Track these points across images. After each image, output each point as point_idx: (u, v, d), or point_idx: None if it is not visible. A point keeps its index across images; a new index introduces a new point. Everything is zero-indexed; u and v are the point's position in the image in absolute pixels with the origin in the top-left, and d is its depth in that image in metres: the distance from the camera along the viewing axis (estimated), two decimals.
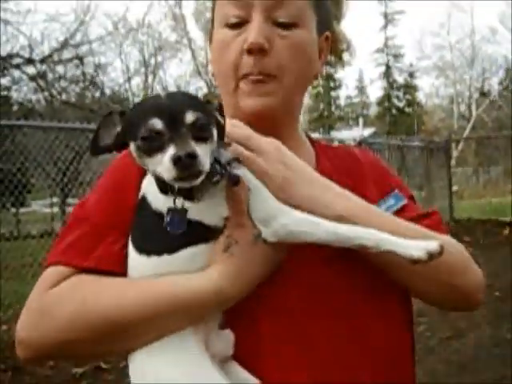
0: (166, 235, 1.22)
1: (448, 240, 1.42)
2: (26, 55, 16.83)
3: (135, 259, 1.29)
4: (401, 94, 50.21)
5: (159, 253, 1.25)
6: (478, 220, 16.11)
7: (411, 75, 50.26)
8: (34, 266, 8.98)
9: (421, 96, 53.81)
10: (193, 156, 1.09)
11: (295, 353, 1.31)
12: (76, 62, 18.78)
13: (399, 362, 1.43)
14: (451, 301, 1.44)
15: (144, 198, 1.29)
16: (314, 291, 1.35)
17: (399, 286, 1.42)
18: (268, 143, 1.31)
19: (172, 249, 1.24)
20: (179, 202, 1.22)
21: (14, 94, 19.25)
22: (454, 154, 20.75)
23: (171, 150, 1.11)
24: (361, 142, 14.54)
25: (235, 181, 1.22)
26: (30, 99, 19.30)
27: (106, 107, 18.65)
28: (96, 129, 1.24)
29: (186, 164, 1.09)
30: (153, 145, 1.14)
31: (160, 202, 1.25)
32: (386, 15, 47.83)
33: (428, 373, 5.95)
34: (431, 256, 1.16)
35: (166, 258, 1.24)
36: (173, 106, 1.15)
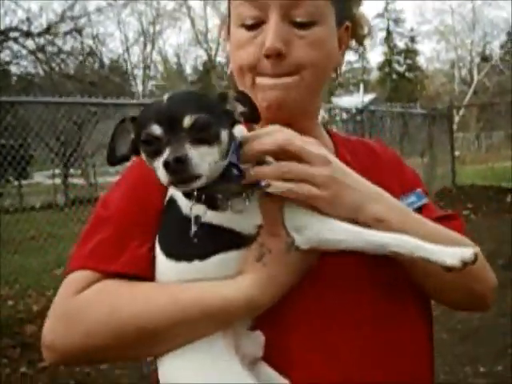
0: (198, 240, 1.22)
1: (471, 243, 1.41)
2: (25, 29, 16.68)
3: (163, 263, 1.28)
4: (401, 58, 49.85)
5: (189, 258, 1.24)
6: (480, 186, 16.09)
7: (412, 40, 49.86)
8: (38, 239, 9.03)
9: (422, 61, 53.45)
10: (181, 160, 1.08)
11: (323, 362, 1.31)
12: (75, 34, 18.60)
13: (421, 373, 1.45)
14: (467, 303, 1.46)
15: (173, 201, 1.28)
16: (342, 301, 1.35)
17: (423, 296, 1.43)
18: (317, 157, 1.25)
19: (203, 255, 1.23)
20: (199, 208, 1.21)
21: (13, 68, 19.14)
22: (456, 119, 20.63)
23: (165, 155, 1.10)
24: (363, 110, 14.44)
25: (267, 192, 1.21)
26: (30, 72, 19.17)
27: (106, 79, 18.55)
28: (111, 138, 1.23)
29: (175, 169, 1.08)
30: (152, 149, 1.13)
31: (188, 207, 1.23)
32: None
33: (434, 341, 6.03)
34: (465, 264, 1.15)
35: (196, 263, 1.24)
36: (172, 109, 1.13)
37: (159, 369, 1.28)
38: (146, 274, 1.29)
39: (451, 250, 1.17)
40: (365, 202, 1.27)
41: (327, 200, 1.23)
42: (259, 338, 1.28)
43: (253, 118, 1.24)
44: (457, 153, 18.14)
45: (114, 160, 1.23)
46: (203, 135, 1.12)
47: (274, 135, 1.24)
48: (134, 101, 11.27)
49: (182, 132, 1.11)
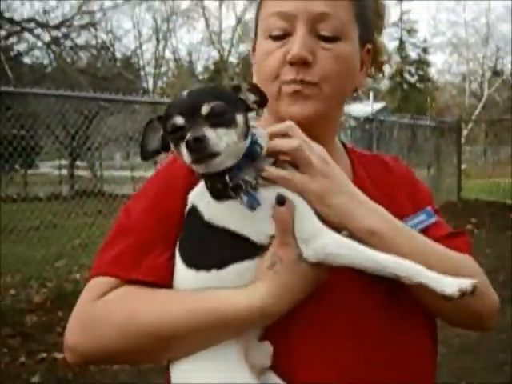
0: (216, 249, 1.29)
1: (472, 264, 1.46)
2: (41, 20, 16.78)
3: (182, 272, 1.33)
4: (413, 69, 49.83)
5: (208, 268, 1.30)
6: (485, 201, 16.11)
7: (425, 51, 49.84)
8: (41, 230, 9.04)
9: (433, 72, 53.49)
10: (199, 139, 1.19)
11: (324, 370, 1.35)
12: (89, 28, 18.70)
13: None
14: (466, 322, 1.49)
15: (194, 210, 1.34)
16: (347, 312, 1.38)
17: (428, 313, 1.46)
18: (316, 156, 1.32)
19: (221, 264, 1.29)
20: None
21: (26, 59, 19.28)
22: (464, 132, 20.64)
23: (187, 138, 1.21)
24: (373, 119, 14.48)
25: (281, 201, 1.27)
26: (42, 63, 19.27)
27: (118, 75, 18.61)
28: (142, 137, 1.35)
29: (194, 147, 1.19)
30: (177, 137, 1.25)
31: (213, 210, 1.31)
32: None
33: None
34: (463, 294, 1.19)
35: (214, 273, 1.29)
36: (192, 101, 1.26)
37: (171, 371, 1.33)
38: (165, 282, 1.34)
39: (450, 280, 1.21)
40: (358, 212, 1.31)
41: (317, 194, 1.30)
42: (267, 348, 1.32)
43: (263, 104, 1.34)
44: (463, 166, 18.16)
45: (146, 155, 1.34)
46: (220, 119, 1.24)
47: (291, 139, 1.32)
48: (144, 98, 11.31)
49: (199, 119, 1.23)
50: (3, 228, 8.50)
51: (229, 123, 1.24)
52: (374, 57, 1.60)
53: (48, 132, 10.40)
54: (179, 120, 1.24)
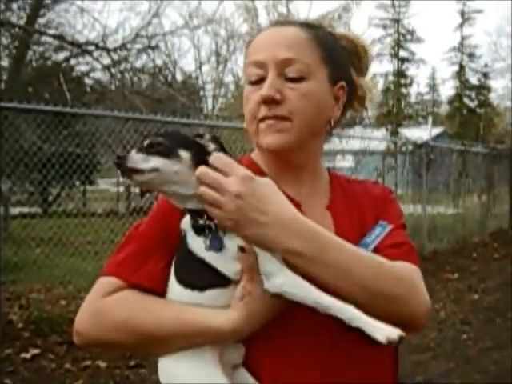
0: (198, 274, 1.54)
1: (402, 267, 1.60)
2: (101, 44, 17.35)
3: (174, 286, 1.59)
4: (473, 94, 49.08)
5: (192, 288, 1.55)
6: None
7: (485, 76, 49.07)
8: (96, 245, 9.33)
9: (493, 97, 52.51)
10: (120, 157, 1.44)
11: (288, 374, 1.57)
12: (148, 51, 19.24)
13: None
14: (397, 325, 1.52)
15: (184, 236, 1.57)
16: (307, 331, 1.58)
17: None
18: (228, 193, 1.42)
19: (202, 287, 1.54)
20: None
21: (87, 79, 19.96)
22: None
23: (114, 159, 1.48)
24: (421, 145, 14.41)
25: (242, 248, 1.49)
26: (102, 84, 19.89)
27: (174, 99, 19.07)
28: None
29: (116, 162, 1.44)
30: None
31: (195, 241, 1.53)
32: (463, 13, 46.78)
33: (465, 381, 6.08)
34: (390, 343, 1.37)
35: (196, 293, 1.54)
36: (143, 139, 1.51)
37: (158, 365, 1.59)
38: (159, 288, 1.60)
39: (382, 328, 1.39)
40: (276, 237, 1.44)
41: (231, 228, 1.45)
42: (241, 348, 1.58)
43: (223, 151, 1.53)
44: None
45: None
46: (154, 149, 1.46)
47: (203, 185, 1.44)
48: (196, 121, 11.51)
49: (141, 149, 1.48)
50: (58, 241, 8.83)
51: (164, 153, 1.46)
52: (353, 93, 1.81)
53: (107, 150, 10.74)
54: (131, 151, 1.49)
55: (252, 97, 1.68)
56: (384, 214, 1.77)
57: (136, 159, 1.45)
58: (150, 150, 1.47)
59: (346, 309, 1.42)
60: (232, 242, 1.49)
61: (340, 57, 1.77)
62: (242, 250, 1.49)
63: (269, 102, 1.64)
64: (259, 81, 1.67)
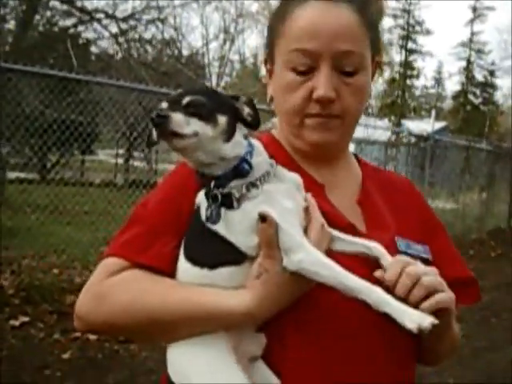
0: (210, 250, 1.40)
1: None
2: (110, 12, 17.19)
3: (183, 264, 1.45)
4: (478, 91, 48.98)
5: (202, 265, 1.41)
6: None
7: (491, 73, 48.90)
8: (92, 215, 9.23)
9: (498, 96, 52.41)
10: (161, 116, 1.29)
11: (314, 364, 1.45)
12: (157, 23, 19.02)
13: None
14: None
15: (198, 209, 1.45)
16: (333, 316, 1.46)
17: None
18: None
19: (212, 265, 1.40)
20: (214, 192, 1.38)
21: (93, 48, 19.77)
22: None
23: (152, 115, 1.32)
24: (427, 138, 14.36)
25: (262, 218, 1.35)
26: (108, 53, 19.70)
27: (180, 72, 18.89)
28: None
29: (156, 122, 1.30)
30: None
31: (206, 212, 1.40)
32: (475, 9, 46.54)
33: (457, 380, 6.01)
34: (421, 331, 1.24)
35: (206, 271, 1.40)
36: (179, 94, 1.37)
37: (167, 353, 1.45)
38: (168, 269, 1.46)
39: (413, 313, 1.27)
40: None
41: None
42: (261, 339, 1.43)
43: (255, 120, 1.41)
44: None
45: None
46: (195, 110, 1.33)
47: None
48: None
49: (179, 107, 1.33)
50: (54, 209, 8.72)
51: (204, 116, 1.33)
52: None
53: (108, 120, 10.62)
54: (163, 106, 1.35)
55: (299, 90, 1.55)
56: (429, 223, 1.77)
57: (180, 122, 1.31)
58: (190, 111, 1.33)
59: (375, 293, 1.29)
60: (251, 210, 1.36)
61: (378, 32, 1.66)
62: (262, 219, 1.35)
63: (325, 102, 1.53)
64: (307, 71, 1.54)
